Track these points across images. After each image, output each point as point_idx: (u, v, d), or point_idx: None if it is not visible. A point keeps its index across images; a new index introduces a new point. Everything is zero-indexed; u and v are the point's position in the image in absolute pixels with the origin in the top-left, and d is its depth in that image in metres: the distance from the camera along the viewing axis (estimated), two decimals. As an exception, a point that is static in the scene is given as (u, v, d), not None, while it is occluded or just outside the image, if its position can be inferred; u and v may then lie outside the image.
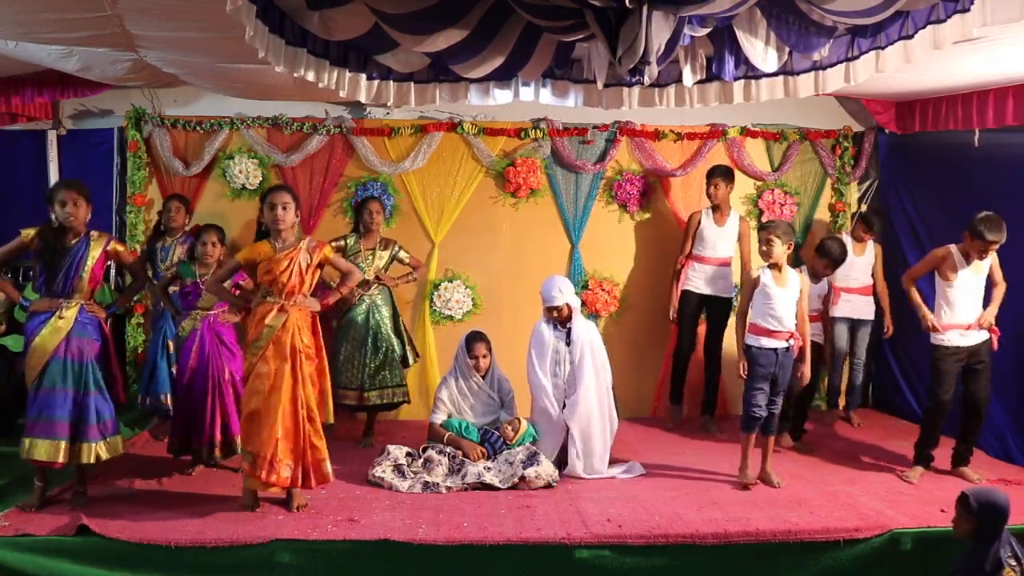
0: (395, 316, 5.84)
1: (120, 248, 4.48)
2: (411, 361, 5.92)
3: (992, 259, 4.83)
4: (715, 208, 6.12)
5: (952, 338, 4.84)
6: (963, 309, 4.83)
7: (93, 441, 4.25)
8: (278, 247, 4.28)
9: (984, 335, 4.86)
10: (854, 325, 6.09)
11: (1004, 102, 5.15)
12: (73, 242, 4.31)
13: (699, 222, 6.13)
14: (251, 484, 4.25)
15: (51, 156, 6.27)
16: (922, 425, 5.07)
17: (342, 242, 5.76)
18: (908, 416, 6.41)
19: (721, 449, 5.55)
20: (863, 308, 6.12)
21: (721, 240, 6.09)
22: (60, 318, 4.24)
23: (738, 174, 6.68)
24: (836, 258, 5.55)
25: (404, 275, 5.93)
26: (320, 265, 4.38)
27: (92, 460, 4.25)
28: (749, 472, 4.76)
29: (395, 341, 5.73)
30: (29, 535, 3.88)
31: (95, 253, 4.32)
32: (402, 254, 5.86)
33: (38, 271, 4.35)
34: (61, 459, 4.18)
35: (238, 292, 4.76)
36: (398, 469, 4.77)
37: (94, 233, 4.38)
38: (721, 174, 6.09)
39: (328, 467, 4.34)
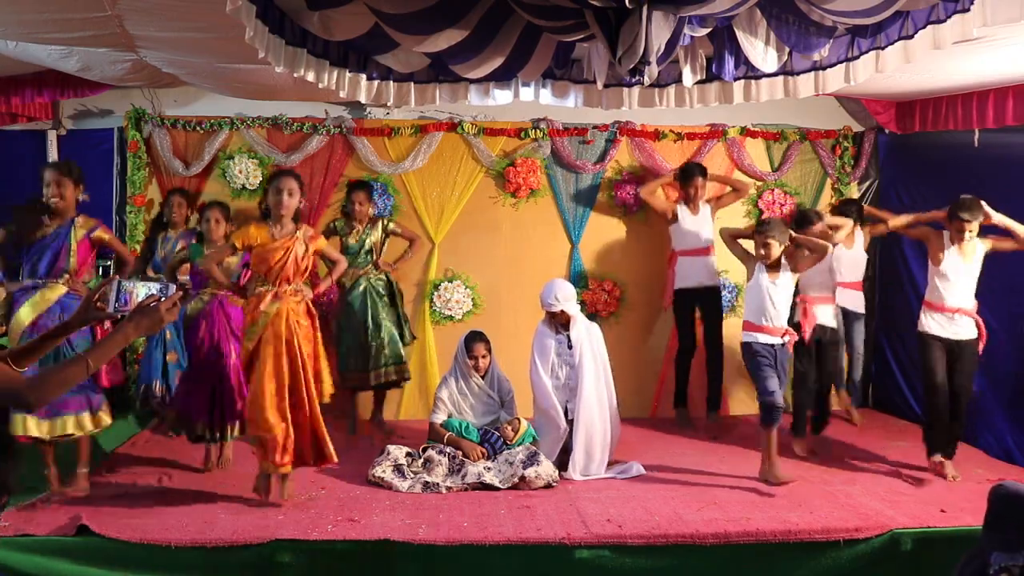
0: (393, 298, 5.87)
1: (106, 235, 4.49)
2: (407, 339, 5.95)
3: (986, 244, 4.81)
4: (689, 200, 6.16)
5: (936, 325, 4.83)
6: (952, 293, 4.81)
7: (74, 413, 4.22)
8: (276, 232, 4.35)
9: (971, 333, 4.83)
10: (848, 317, 6.05)
11: (1004, 102, 5.15)
12: (56, 225, 4.33)
13: (675, 215, 6.15)
14: (265, 468, 4.32)
15: (51, 156, 6.24)
16: (926, 416, 5.02)
17: (332, 225, 5.84)
18: (908, 416, 6.40)
19: (721, 449, 5.55)
20: (855, 302, 6.08)
21: (701, 230, 6.11)
22: (42, 296, 4.25)
23: (738, 174, 6.70)
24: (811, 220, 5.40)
25: (400, 257, 5.97)
26: (315, 254, 4.50)
27: (74, 431, 4.22)
28: (778, 469, 4.68)
29: (391, 323, 5.75)
30: (29, 535, 3.88)
31: (78, 235, 4.36)
32: (392, 226, 5.91)
33: (24, 256, 4.37)
34: (37, 434, 4.17)
35: (249, 276, 4.78)
36: (398, 469, 4.77)
37: (79, 218, 4.40)
38: (703, 172, 6.15)
39: (331, 448, 4.40)
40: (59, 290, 4.28)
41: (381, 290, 5.80)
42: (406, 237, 6.00)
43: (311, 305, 4.49)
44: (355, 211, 5.77)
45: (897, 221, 5.18)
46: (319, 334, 4.51)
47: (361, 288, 5.74)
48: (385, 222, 5.90)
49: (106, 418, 4.39)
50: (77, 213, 4.41)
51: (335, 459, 4.44)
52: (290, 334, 4.29)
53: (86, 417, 4.28)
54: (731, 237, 5.12)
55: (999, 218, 4.77)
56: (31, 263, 4.35)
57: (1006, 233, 4.81)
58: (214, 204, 5.20)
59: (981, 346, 4.86)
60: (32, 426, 4.18)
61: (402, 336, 5.86)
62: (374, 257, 5.81)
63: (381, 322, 5.70)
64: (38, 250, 4.34)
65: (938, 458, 4.86)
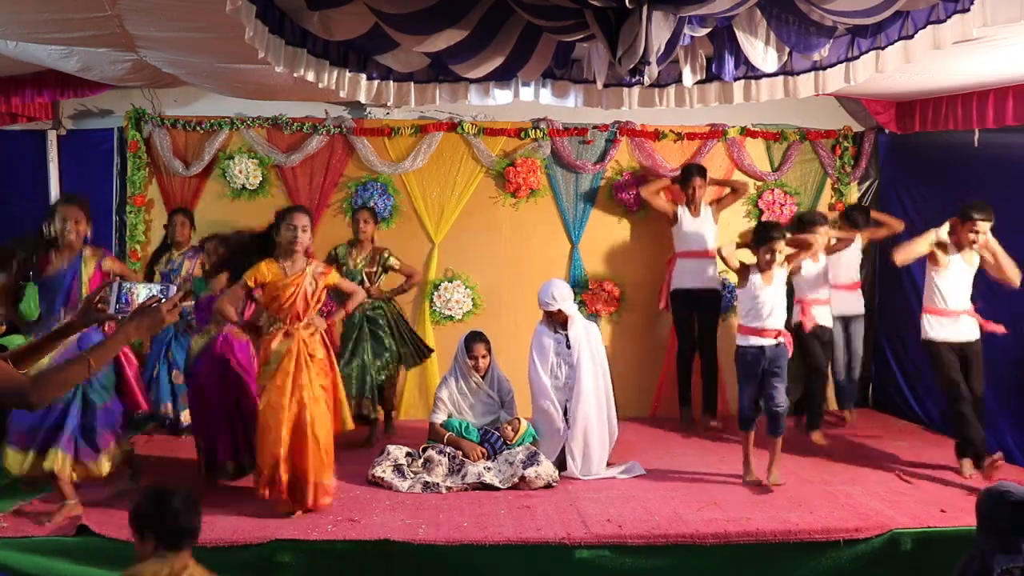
0: (396, 325, 5.75)
1: (115, 266, 4.45)
2: (420, 359, 5.88)
3: (988, 251, 4.80)
4: (689, 202, 6.17)
5: (942, 331, 4.84)
6: (954, 297, 4.83)
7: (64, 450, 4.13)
8: (287, 268, 4.30)
9: (975, 333, 4.85)
10: (847, 321, 6.06)
11: (1004, 102, 5.15)
12: (68, 260, 4.28)
13: (676, 216, 6.16)
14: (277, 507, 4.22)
15: (51, 156, 6.26)
16: (952, 422, 4.98)
17: (333, 252, 5.73)
18: (908, 416, 6.41)
19: (721, 449, 5.55)
20: (853, 304, 6.08)
21: (701, 232, 6.11)
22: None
23: (738, 174, 6.71)
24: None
25: (395, 289, 5.84)
26: (326, 288, 4.43)
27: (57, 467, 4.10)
28: (753, 470, 4.76)
29: (369, 355, 5.60)
30: (29, 535, 3.89)
31: (89, 270, 4.31)
32: (392, 261, 5.73)
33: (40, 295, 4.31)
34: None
35: (253, 309, 4.71)
36: (398, 469, 4.77)
37: (87, 250, 4.35)
38: (701, 173, 6.15)
39: (330, 482, 4.29)
40: (75, 327, 4.26)
41: (379, 320, 5.66)
42: (405, 273, 5.83)
43: (325, 337, 4.43)
44: (359, 229, 5.67)
45: (912, 256, 4.91)
46: (335, 363, 4.47)
47: (356, 318, 5.59)
48: (385, 256, 5.72)
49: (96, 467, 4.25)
50: (84, 244, 4.36)
51: (330, 496, 4.30)
52: (299, 371, 4.22)
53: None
54: (728, 253, 4.99)
55: (994, 244, 4.78)
56: (46, 302, 4.28)
57: None
58: (214, 237, 5.12)
59: (998, 328, 4.84)
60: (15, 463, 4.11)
61: (414, 354, 5.76)
62: (367, 285, 5.59)
63: (359, 354, 5.56)
64: (51, 288, 4.26)
65: (969, 469, 4.83)
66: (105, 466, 4.24)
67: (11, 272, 4.36)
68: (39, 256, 4.26)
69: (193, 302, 5.06)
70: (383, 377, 5.68)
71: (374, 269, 5.71)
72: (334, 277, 4.47)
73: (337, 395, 4.44)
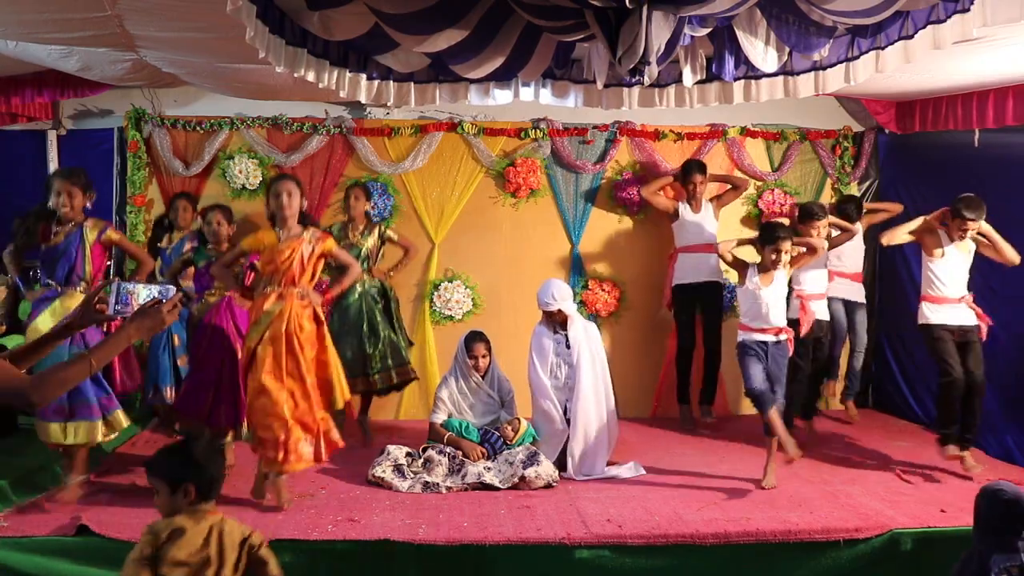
0: (388, 304, 5.81)
1: (115, 236, 4.53)
2: (404, 345, 5.90)
3: (982, 238, 4.84)
4: (690, 198, 6.19)
5: (939, 315, 4.86)
6: (951, 286, 4.87)
7: (91, 419, 4.28)
8: (282, 235, 4.38)
9: (972, 319, 4.87)
10: (849, 308, 6.07)
11: (1004, 102, 5.15)
12: (67, 232, 4.36)
13: (677, 212, 6.18)
14: (267, 468, 4.30)
15: (51, 156, 6.26)
16: (937, 404, 5.00)
17: (328, 230, 5.74)
18: (908, 416, 6.41)
19: (721, 449, 5.55)
20: (856, 292, 6.12)
21: (702, 227, 6.13)
22: (61, 304, 4.27)
23: (738, 174, 6.70)
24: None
25: (394, 265, 5.94)
26: (323, 256, 4.48)
27: (85, 440, 4.27)
28: (790, 448, 4.58)
29: (388, 329, 5.70)
30: (29, 535, 3.88)
31: (90, 239, 4.38)
32: (390, 232, 5.87)
33: (39, 264, 4.41)
34: (67, 440, 4.25)
35: (252, 277, 4.76)
36: (398, 469, 4.77)
37: (89, 221, 4.43)
38: (701, 169, 6.17)
39: (336, 434, 4.40)
40: (77, 298, 4.29)
41: (376, 296, 5.74)
42: (402, 246, 5.95)
43: (318, 311, 4.47)
44: (350, 206, 5.75)
45: (897, 239, 5.05)
46: (328, 340, 4.49)
47: (356, 294, 5.65)
48: (383, 228, 5.86)
49: (120, 420, 4.43)
50: (84, 217, 4.43)
51: (341, 443, 4.45)
52: (291, 335, 4.28)
53: (99, 425, 4.31)
54: (725, 249, 4.98)
55: (987, 229, 4.80)
56: (47, 271, 4.38)
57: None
58: (216, 207, 5.22)
59: (984, 330, 4.87)
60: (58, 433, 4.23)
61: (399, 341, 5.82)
62: (370, 264, 5.74)
63: (378, 328, 5.64)
64: (52, 258, 4.35)
65: (954, 450, 4.81)
66: (123, 419, 4.38)
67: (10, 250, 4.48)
68: (40, 227, 4.33)
69: (195, 271, 5.15)
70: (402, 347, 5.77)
71: (376, 242, 5.78)
72: (332, 243, 4.53)
73: (327, 372, 4.45)
